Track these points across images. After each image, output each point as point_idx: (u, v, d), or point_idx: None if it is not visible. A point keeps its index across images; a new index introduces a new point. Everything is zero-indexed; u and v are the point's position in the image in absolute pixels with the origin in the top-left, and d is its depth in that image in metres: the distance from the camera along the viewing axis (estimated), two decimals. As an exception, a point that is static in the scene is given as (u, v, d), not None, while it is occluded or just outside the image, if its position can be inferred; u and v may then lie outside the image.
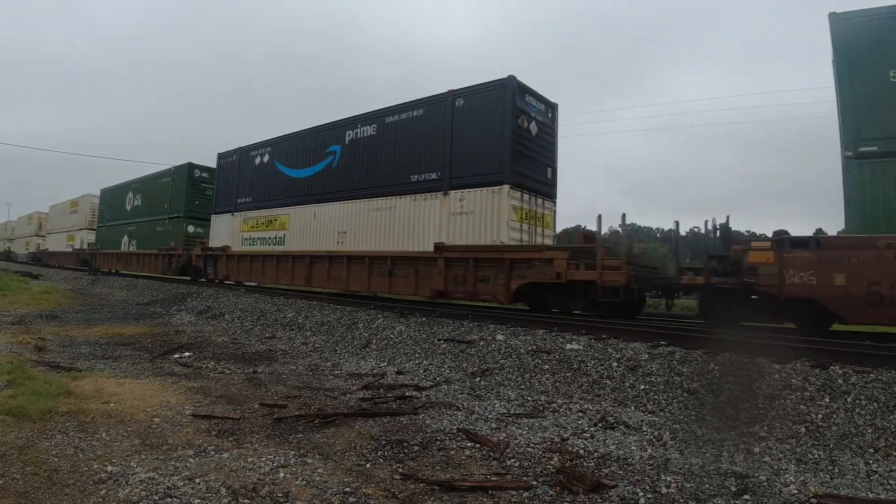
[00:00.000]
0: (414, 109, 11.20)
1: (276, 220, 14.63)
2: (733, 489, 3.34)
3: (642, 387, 5.44)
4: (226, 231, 16.65)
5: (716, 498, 3.21)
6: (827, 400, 4.56)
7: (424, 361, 7.20)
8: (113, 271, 24.92)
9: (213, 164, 19.13)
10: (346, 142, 12.57)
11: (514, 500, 3.14)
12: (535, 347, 6.78)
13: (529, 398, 5.57)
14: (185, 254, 18.13)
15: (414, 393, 5.69)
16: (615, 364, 5.96)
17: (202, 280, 17.61)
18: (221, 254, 16.44)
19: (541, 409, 5.21)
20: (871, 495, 3.37)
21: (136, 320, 11.29)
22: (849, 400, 4.51)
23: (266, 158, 15.25)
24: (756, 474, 3.59)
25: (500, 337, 7.44)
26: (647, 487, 3.34)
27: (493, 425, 4.62)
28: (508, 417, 4.89)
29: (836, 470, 3.73)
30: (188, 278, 18.54)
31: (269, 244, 14.77)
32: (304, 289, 13.83)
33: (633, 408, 5.17)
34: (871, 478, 3.61)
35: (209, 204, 18.82)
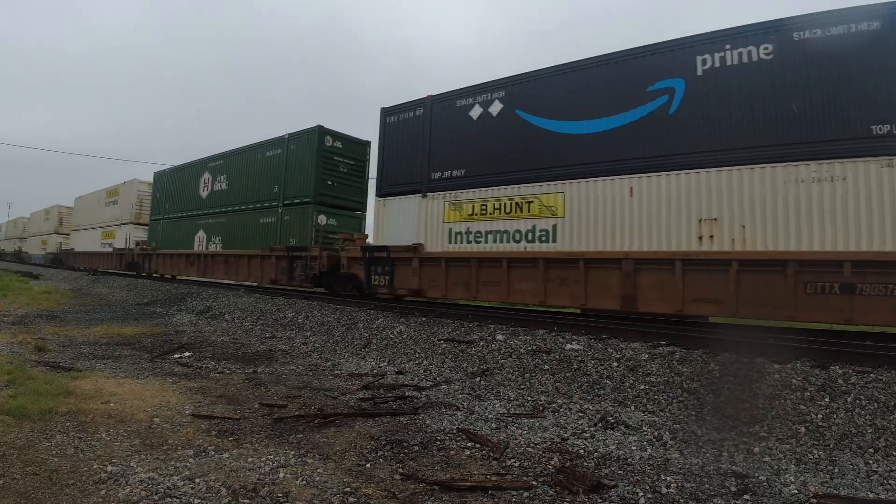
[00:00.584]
0: (862, 20, 6.78)
1: (531, 202, 8.96)
2: (733, 489, 3.34)
3: (642, 387, 5.44)
4: (409, 222, 10.82)
5: (716, 498, 3.21)
6: (827, 400, 4.56)
7: (424, 361, 7.20)
8: (170, 276, 19.86)
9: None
10: (699, 73, 7.73)
11: (514, 500, 3.14)
12: (535, 347, 6.79)
13: (529, 398, 5.57)
14: (327, 255, 12.45)
15: (414, 393, 5.70)
16: (615, 364, 5.96)
17: (348, 293, 12.30)
18: (410, 256, 10.38)
19: (541, 409, 5.21)
20: (871, 495, 3.38)
21: (136, 320, 11.29)
22: (849, 400, 4.51)
23: (496, 108, 9.69)
24: (756, 474, 3.59)
25: (500, 337, 7.44)
26: (647, 487, 3.34)
27: (493, 425, 4.62)
28: (508, 417, 4.89)
29: (836, 470, 3.73)
30: (321, 291, 13.23)
31: (519, 241, 8.99)
32: (620, 313, 8.24)
33: (633, 408, 5.17)
34: (871, 478, 3.61)
35: (345, 185, 14.00)
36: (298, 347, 8.59)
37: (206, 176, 17.86)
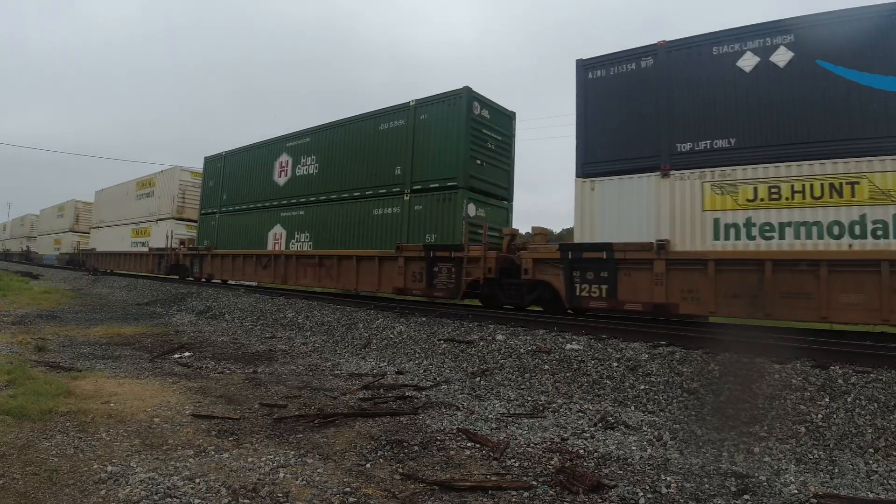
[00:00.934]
0: None
1: (855, 183, 6.61)
2: (733, 489, 3.34)
3: (642, 387, 5.44)
4: (639, 210, 8.05)
5: (716, 498, 3.21)
6: (827, 400, 4.57)
7: (424, 361, 7.20)
8: (223, 281, 16.72)
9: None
10: None
11: (514, 500, 3.14)
12: (535, 347, 6.79)
13: (529, 398, 5.57)
14: (495, 257, 9.27)
15: (414, 393, 5.70)
16: (615, 364, 5.96)
17: (517, 306, 9.57)
18: (648, 258, 7.68)
19: (541, 409, 5.21)
20: (871, 495, 3.38)
21: (136, 320, 11.29)
22: (849, 400, 4.51)
23: (783, 56, 7.25)
24: (756, 474, 3.59)
25: (500, 337, 7.44)
26: (647, 487, 3.34)
27: (493, 425, 4.62)
28: (508, 417, 4.89)
29: (836, 470, 3.74)
30: (478, 306, 10.57)
31: (838, 236, 6.62)
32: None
33: (633, 408, 5.17)
34: (871, 478, 3.62)
35: (493, 167, 10.78)
36: (298, 347, 8.59)
37: (284, 159, 14.34)
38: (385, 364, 7.32)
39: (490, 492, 3.21)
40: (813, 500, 3.21)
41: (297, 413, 4.71)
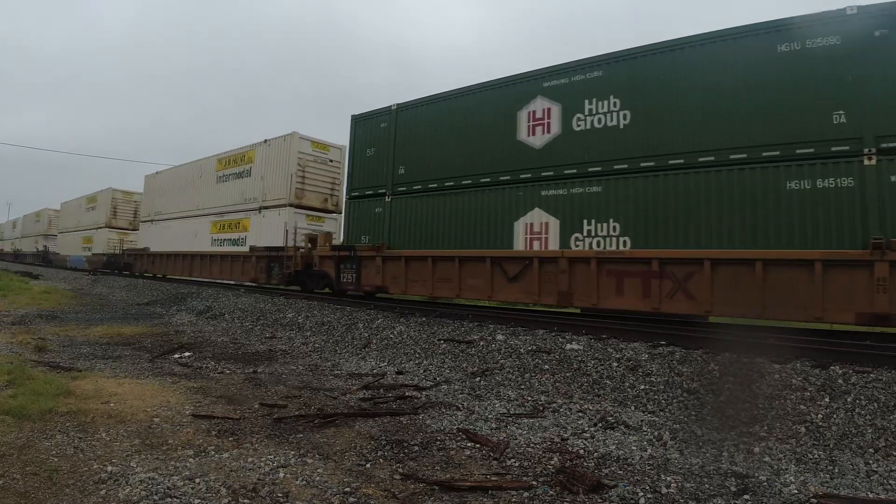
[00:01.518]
0: None
1: None
2: (733, 489, 3.34)
3: (642, 387, 5.44)
4: None
5: (716, 498, 3.21)
6: (827, 400, 4.57)
7: (424, 361, 7.20)
8: (390, 289, 10.81)
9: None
10: None
11: (514, 500, 3.14)
12: (535, 347, 6.79)
13: (529, 398, 5.57)
14: None
15: (414, 393, 5.70)
16: (615, 364, 5.96)
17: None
18: None
19: (541, 409, 5.21)
20: (871, 495, 3.38)
21: (136, 320, 11.29)
22: (849, 400, 4.51)
23: None
24: (756, 474, 3.59)
25: (500, 337, 7.44)
26: (647, 487, 3.34)
27: (493, 425, 4.62)
28: (508, 417, 4.89)
29: (836, 470, 3.74)
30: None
31: None
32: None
33: (633, 408, 5.17)
34: (871, 478, 3.61)
35: None
36: (298, 347, 8.59)
37: (541, 106, 9.16)
38: (385, 364, 7.32)
39: (490, 492, 3.21)
40: (813, 500, 3.21)
41: (297, 413, 4.71)
